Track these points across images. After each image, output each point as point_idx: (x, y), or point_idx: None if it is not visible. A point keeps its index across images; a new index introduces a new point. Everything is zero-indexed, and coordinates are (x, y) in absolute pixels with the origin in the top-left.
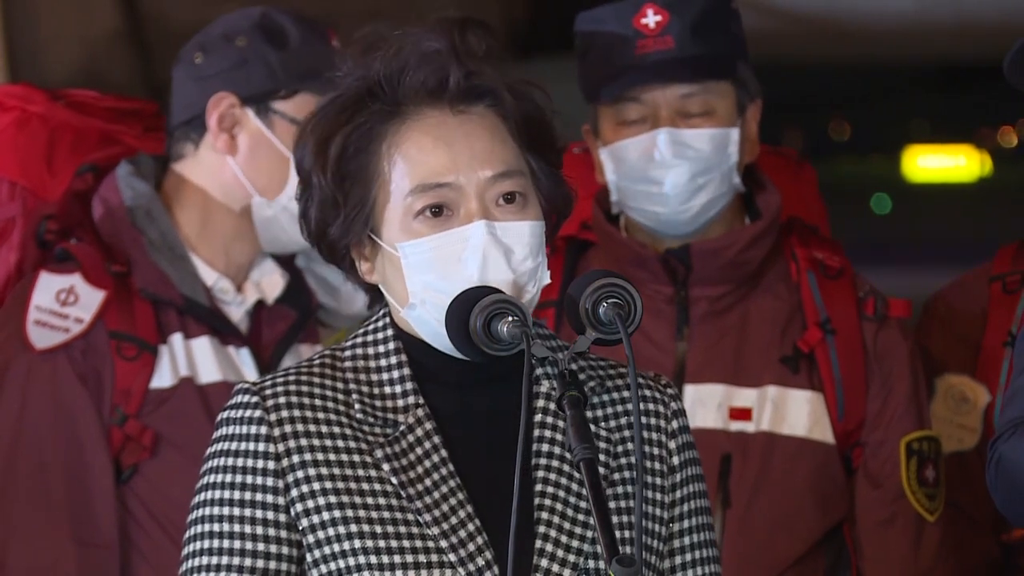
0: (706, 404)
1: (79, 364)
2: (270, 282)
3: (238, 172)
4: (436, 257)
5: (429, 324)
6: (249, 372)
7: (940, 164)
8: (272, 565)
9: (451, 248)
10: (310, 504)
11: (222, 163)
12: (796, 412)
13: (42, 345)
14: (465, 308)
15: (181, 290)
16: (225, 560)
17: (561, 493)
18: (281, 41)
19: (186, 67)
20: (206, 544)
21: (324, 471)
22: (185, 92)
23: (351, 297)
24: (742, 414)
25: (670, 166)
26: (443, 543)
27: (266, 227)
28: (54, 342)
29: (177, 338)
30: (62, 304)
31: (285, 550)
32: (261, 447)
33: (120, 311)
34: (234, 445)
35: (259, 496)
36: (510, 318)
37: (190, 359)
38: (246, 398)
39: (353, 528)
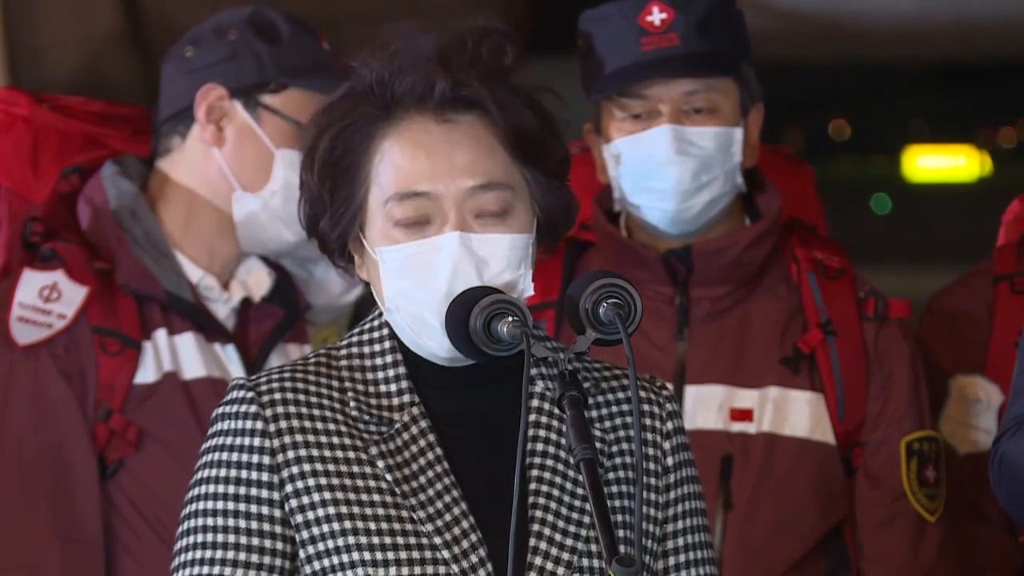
0: (707, 405)
1: (62, 360)
2: (256, 280)
3: (223, 165)
4: (409, 264)
5: (404, 331)
6: (235, 369)
7: (940, 164)
8: (266, 560)
9: (424, 257)
10: (304, 500)
11: (208, 156)
12: (797, 413)
13: (25, 341)
14: (465, 308)
15: (165, 286)
16: (219, 554)
17: (556, 492)
18: (272, 36)
19: (176, 62)
20: (200, 538)
21: (319, 467)
22: (174, 86)
23: (321, 291)
24: (743, 415)
25: (674, 163)
26: (436, 540)
27: (246, 223)
28: (37, 338)
29: (161, 334)
30: (45, 300)
31: (280, 545)
32: (257, 442)
33: (103, 307)
34: (229, 440)
35: (254, 491)
36: (510, 318)
37: (174, 355)
38: (242, 393)
39: (347, 525)
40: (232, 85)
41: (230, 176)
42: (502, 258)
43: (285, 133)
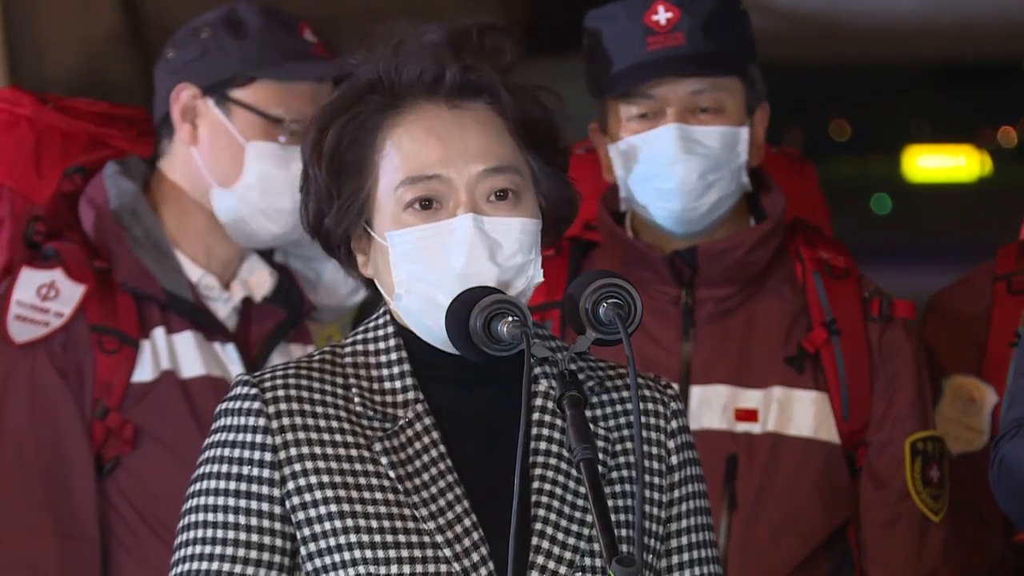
0: (712, 405)
1: (59, 358)
2: (258, 280)
3: (200, 162)
4: (422, 248)
5: (415, 315)
6: (235, 368)
7: (940, 164)
8: (265, 556)
9: (437, 239)
10: (307, 497)
11: (189, 155)
12: (802, 413)
13: (22, 339)
14: (465, 308)
15: (164, 285)
16: (218, 549)
17: (558, 491)
18: (241, 31)
19: (162, 63)
20: (199, 533)
21: (322, 464)
22: (163, 87)
23: (330, 291)
24: (748, 415)
25: (680, 162)
26: (439, 538)
27: (228, 219)
28: (34, 336)
29: (159, 332)
30: (43, 299)
31: (279, 542)
32: (259, 439)
33: (102, 305)
34: (231, 436)
35: (254, 487)
36: (510, 318)
37: (172, 353)
38: (245, 390)
39: (350, 522)
40: (204, 83)
41: (206, 173)
42: (515, 240)
43: (255, 126)
